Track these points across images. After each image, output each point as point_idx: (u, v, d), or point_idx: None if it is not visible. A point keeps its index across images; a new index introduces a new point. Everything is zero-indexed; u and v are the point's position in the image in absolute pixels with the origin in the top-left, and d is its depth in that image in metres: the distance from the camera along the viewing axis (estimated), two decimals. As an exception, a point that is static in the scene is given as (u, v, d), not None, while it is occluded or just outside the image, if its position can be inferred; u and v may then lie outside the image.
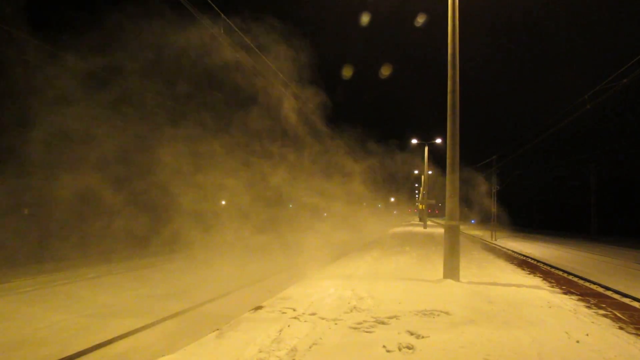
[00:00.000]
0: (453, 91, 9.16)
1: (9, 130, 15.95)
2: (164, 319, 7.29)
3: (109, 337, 6.24)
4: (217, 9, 9.63)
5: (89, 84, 16.76)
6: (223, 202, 38.41)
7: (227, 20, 10.36)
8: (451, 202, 9.20)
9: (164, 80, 22.16)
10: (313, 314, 6.12)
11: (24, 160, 16.17)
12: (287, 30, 16.47)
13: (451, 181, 9.17)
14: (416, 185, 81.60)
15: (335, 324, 5.62)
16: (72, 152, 18.02)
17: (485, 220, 41.76)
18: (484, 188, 38.46)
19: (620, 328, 5.82)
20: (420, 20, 13.72)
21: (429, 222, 45.04)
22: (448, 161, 9.21)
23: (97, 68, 17.44)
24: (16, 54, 16.06)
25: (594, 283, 11.26)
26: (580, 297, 8.29)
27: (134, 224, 18.55)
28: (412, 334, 5.17)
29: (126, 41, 15.13)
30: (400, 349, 4.63)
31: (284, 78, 16.05)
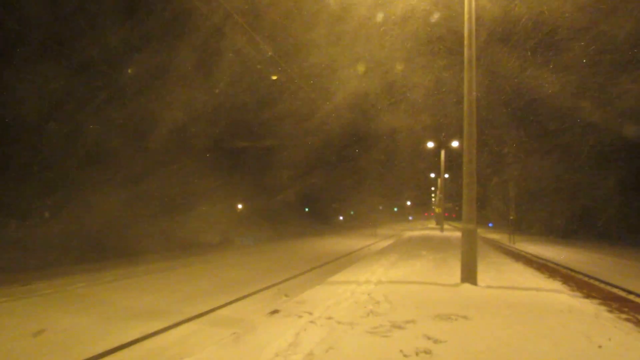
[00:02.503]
0: (469, 94, 9.10)
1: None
2: (182, 322, 7.35)
3: (128, 339, 6.31)
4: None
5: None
6: (240, 206, 38.69)
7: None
8: (468, 205, 9.12)
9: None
10: (329, 318, 6.11)
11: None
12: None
13: (468, 184, 9.10)
14: (432, 188, 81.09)
15: (352, 328, 5.61)
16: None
17: (503, 224, 41.22)
18: (501, 191, 38.01)
19: (644, 333, 5.69)
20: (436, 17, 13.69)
21: (445, 226, 44.64)
22: (464, 164, 9.15)
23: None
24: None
25: (616, 286, 11.03)
26: (601, 300, 8.13)
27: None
28: (429, 338, 5.13)
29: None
30: (417, 354, 4.60)
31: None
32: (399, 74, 19.17)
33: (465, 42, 9.15)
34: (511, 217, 29.27)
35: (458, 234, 31.93)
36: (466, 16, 9.14)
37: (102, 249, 17.01)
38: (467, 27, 9.11)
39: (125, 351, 5.95)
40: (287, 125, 30.32)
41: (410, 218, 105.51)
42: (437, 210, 52.52)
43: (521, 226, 39.26)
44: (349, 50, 17.25)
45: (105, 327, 7.02)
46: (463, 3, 9.21)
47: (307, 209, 54.56)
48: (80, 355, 5.66)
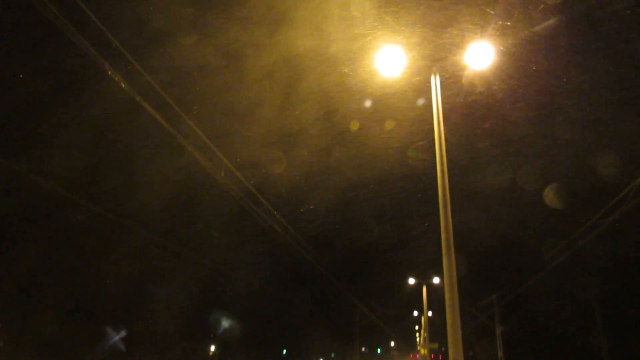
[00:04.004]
0: (447, 231, 8.97)
1: None
2: None
3: None
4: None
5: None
6: (212, 348, 35.95)
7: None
8: (454, 348, 8.44)
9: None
10: None
11: None
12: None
13: (452, 324, 8.52)
14: (417, 327, 77.85)
15: None
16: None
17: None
18: (487, 331, 36.65)
19: None
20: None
21: (433, 369, 41.89)
22: (447, 302, 8.67)
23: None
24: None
25: None
26: None
27: None
28: None
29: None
30: None
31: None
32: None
33: (439, 176, 9.34)
34: (500, 355, 27.99)
35: (446, 378, 29.97)
36: (438, 161, 9.47)
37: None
38: (440, 168, 9.39)
39: None
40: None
41: None
42: (422, 351, 49.77)
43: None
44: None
45: None
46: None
47: (284, 351, 51.27)
48: None
